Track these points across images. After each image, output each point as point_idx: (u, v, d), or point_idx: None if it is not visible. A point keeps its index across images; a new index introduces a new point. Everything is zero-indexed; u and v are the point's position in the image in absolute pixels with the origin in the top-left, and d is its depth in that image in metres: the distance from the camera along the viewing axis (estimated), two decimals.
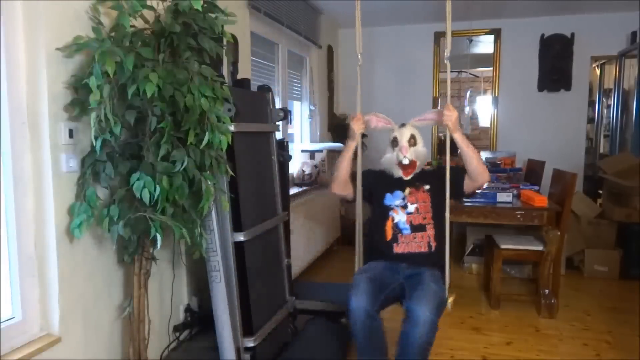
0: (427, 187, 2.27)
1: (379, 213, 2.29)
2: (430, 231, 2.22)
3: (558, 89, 4.82)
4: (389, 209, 2.26)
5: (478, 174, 2.16)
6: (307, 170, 4.07)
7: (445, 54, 2.08)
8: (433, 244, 2.21)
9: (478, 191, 3.23)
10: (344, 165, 2.30)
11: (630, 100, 4.66)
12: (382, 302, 2.07)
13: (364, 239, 2.33)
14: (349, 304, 2.00)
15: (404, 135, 2.21)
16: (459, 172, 2.21)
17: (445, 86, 5.32)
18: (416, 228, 2.22)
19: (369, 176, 2.36)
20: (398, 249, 2.22)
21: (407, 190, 2.26)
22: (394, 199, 2.27)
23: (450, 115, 2.07)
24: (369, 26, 5.15)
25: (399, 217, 2.24)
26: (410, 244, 2.21)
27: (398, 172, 2.26)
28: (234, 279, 2.12)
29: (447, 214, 2.13)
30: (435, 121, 2.25)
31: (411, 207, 2.25)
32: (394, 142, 2.25)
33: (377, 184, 2.33)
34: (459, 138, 2.11)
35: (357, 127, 2.26)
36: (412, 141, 2.22)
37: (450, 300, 2.09)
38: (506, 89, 5.00)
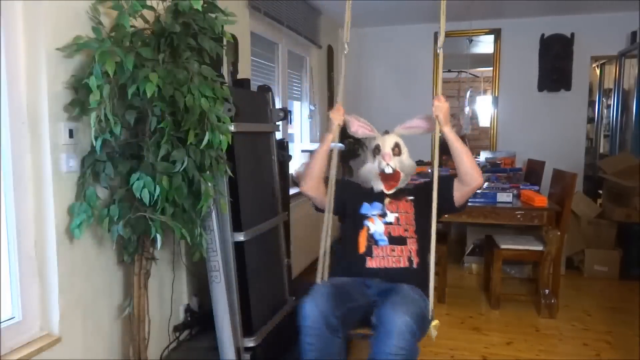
0: (410, 197, 1.98)
1: (353, 222, 1.98)
2: (412, 245, 1.89)
3: (558, 89, 4.82)
4: (364, 217, 1.95)
5: (469, 175, 1.84)
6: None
7: (438, 44, 1.84)
8: (415, 260, 1.87)
9: (478, 191, 3.22)
10: (317, 160, 1.97)
11: (630, 100, 4.66)
12: (347, 314, 1.69)
13: (331, 255, 1.96)
14: (302, 309, 1.64)
15: (387, 143, 1.95)
16: (447, 181, 1.93)
17: (446, 87, 5.30)
18: (395, 240, 1.89)
19: (346, 186, 2.10)
20: (372, 263, 1.87)
21: (387, 200, 1.98)
22: (371, 209, 1.97)
23: (440, 106, 1.79)
24: (369, 26, 5.16)
25: (376, 226, 1.92)
26: (387, 259, 1.87)
27: (379, 185, 1.97)
28: (234, 279, 2.12)
29: (434, 227, 1.75)
30: (423, 129, 1.97)
31: (390, 217, 1.93)
32: (376, 151, 1.98)
33: (354, 195, 2.04)
34: (448, 133, 1.82)
35: (335, 117, 1.95)
36: (397, 150, 1.95)
37: (434, 324, 1.71)
38: (506, 89, 4.99)
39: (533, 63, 4.86)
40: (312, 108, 4.71)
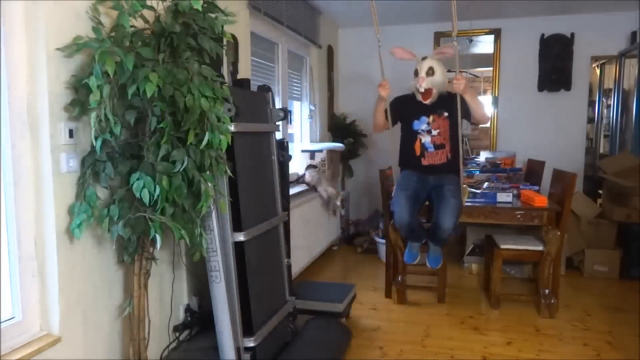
0: (446, 114, 2.90)
1: (409, 135, 2.99)
2: (447, 148, 2.94)
3: (558, 89, 4.82)
4: (417, 133, 2.96)
5: (479, 120, 2.94)
6: (307, 177, 4.06)
7: (453, 34, 2.57)
8: (449, 155, 2.94)
9: (478, 191, 3.26)
10: (378, 116, 2.94)
11: (630, 100, 4.66)
12: (418, 209, 2.95)
13: (398, 156, 3.10)
14: (395, 216, 2.90)
15: (423, 67, 2.80)
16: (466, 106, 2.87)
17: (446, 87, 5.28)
18: (438, 147, 2.94)
19: (397, 103, 3.00)
20: (425, 161, 2.95)
21: (431, 118, 2.92)
22: (420, 124, 2.94)
23: (458, 83, 2.66)
24: (369, 26, 5.14)
25: (425, 139, 2.95)
26: (434, 158, 2.94)
27: (419, 97, 2.89)
28: (234, 279, 2.12)
29: (460, 133, 2.87)
30: (450, 55, 2.73)
31: (434, 132, 2.94)
32: (415, 72, 2.86)
33: (405, 110, 2.98)
34: (468, 97, 2.77)
35: (383, 92, 2.80)
36: (430, 72, 2.80)
37: (465, 197, 2.96)
38: (506, 89, 4.99)
39: (533, 63, 4.86)
40: (312, 108, 4.71)
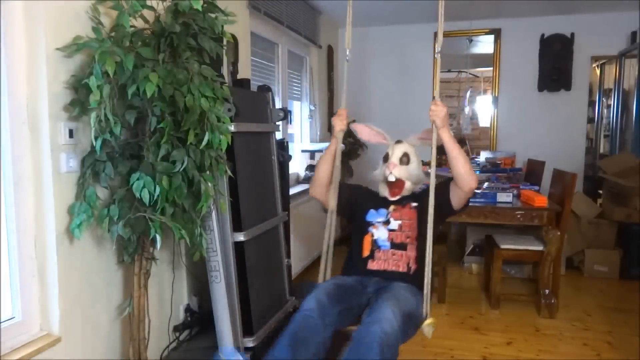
0: (414, 204, 2.04)
1: (359, 228, 2.08)
2: (411, 252, 1.97)
3: (558, 89, 4.82)
4: (369, 224, 2.05)
5: (464, 177, 1.86)
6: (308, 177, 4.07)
7: (437, 48, 1.87)
8: (413, 266, 1.95)
9: (478, 191, 3.23)
10: (323, 167, 2.07)
11: (630, 100, 4.66)
12: (344, 312, 1.80)
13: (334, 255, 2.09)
14: (303, 300, 1.76)
15: (395, 152, 2.00)
16: (444, 185, 1.98)
17: (446, 87, 5.28)
18: (397, 246, 1.99)
19: (356, 190, 2.21)
20: (373, 265, 1.99)
21: (392, 207, 2.05)
22: (377, 216, 2.06)
23: (437, 111, 1.81)
24: (368, 26, 5.16)
25: (379, 233, 2.02)
26: (388, 262, 1.98)
27: (384, 191, 2.05)
28: (234, 279, 2.12)
29: (430, 234, 1.80)
30: (426, 140, 2.00)
31: (394, 224, 2.01)
32: (385, 158, 2.04)
33: (363, 200, 2.13)
34: (445, 136, 1.84)
35: (337, 125, 2.02)
36: (405, 159, 2.00)
37: (429, 321, 1.79)
38: (506, 89, 4.99)
39: (533, 63, 4.86)
40: (312, 108, 4.71)
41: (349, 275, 2.01)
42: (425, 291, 1.82)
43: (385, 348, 1.56)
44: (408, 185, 2.02)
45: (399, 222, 2.01)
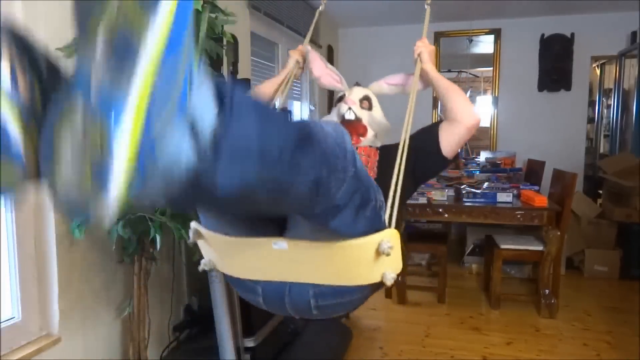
0: (379, 152, 1.55)
1: None
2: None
3: (558, 89, 4.82)
4: None
5: (462, 111, 1.42)
6: None
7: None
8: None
9: (478, 191, 3.23)
10: (266, 86, 1.69)
11: (630, 100, 4.66)
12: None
13: None
14: None
15: (354, 93, 1.59)
16: (431, 127, 1.51)
17: None
18: None
19: None
20: None
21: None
22: None
23: (424, 45, 1.53)
24: (369, 26, 5.16)
25: None
26: None
27: None
28: None
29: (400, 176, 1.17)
30: (402, 87, 1.64)
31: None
32: (340, 99, 1.61)
33: None
34: (431, 71, 1.50)
35: (293, 53, 1.70)
36: (366, 103, 1.58)
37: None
38: (506, 89, 4.99)
39: (533, 63, 4.86)
40: (312, 108, 4.71)
41: None
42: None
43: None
44: (370, 134, 1.54)
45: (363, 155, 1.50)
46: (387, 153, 1.50)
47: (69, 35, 1.63)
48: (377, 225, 1.03)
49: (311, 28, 1.83)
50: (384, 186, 1.21)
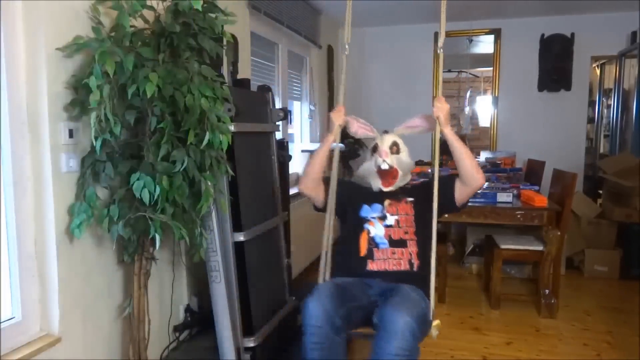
0: (410, 199, 1.97)
1: (353, 226, 1.96)
2: (412, 248, 1.88)
3: (558, 89, 4.82)
4: (364, 220, 1.94)
5: (471, 175, 1.84)
6: None
7: (439, 44, 1.82)
8: (415, 262, 1.86)
9: (478, 191, 3.23)
10: (317, 160, 1.97)
11: (630, 100, 4.66)
12: (349, 314, 1.70)
13: (333, 256, 1.93)
14: (305, 308, 1.65)
15: (385, 141, 1.95)
16: (448, 180, 1.93)
17: (447, 87, 5.28)
18: (396, 243, 1.88)
19: (345, 185, 2.07)
20: (373, 266, 1.86)
21: (387, 202, 1.96)
22: (371, 211, 1.96)
23: (442, 107, 1.78)
24: (369, 26, 5.16)
25: (376, 230, 1.91)
26: (388, 261, 1.86)
27: (377, 183, 1.97)
28: (234, 279, 2.12)
29: (434, 228, 1.73)
30: (423, 128, 1.96)
31: (390, 219, 1.92)
32: (374, 149, 1.97)
33: (354, 195, 2.03)
34: (449, 134, 1.81)
35: (336, 118, 1.96)
36: (395, 149, 1.94)
37: (436, 324, 1.72)
38: (506, 89, 4.99)
39: (533, 63, 4.86)
40: (312, 108, 4.71)
41: (346, 276, 1.88)
42: (431, 292, 1.74)
43: (408, 341, 1.54)
44: (401, 174, 1.95)
45: (396, 217, 1.92)
46: (417, 200, 1.96)
47: (69, 35, 1.63)
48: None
49: (342, 88, 2.08)
50: (423, 237, 1.85)
